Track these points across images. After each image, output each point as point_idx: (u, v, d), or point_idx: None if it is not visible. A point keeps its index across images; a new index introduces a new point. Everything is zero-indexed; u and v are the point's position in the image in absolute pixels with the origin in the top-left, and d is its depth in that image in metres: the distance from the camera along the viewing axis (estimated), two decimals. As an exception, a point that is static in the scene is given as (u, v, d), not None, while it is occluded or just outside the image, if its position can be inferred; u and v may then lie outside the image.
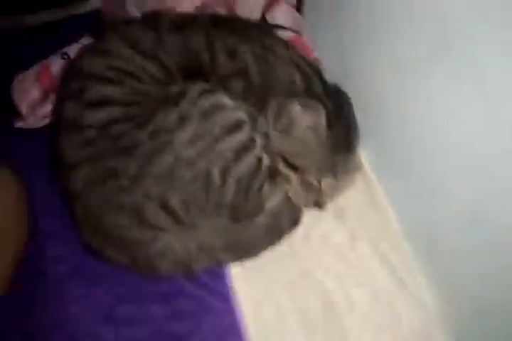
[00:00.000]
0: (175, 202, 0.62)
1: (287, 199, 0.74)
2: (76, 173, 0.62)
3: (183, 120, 0.61)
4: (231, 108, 0.65)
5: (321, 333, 0.68)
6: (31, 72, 0.85)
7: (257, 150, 0.67)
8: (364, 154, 0.82)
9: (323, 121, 0.66)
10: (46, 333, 0.65)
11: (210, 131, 0.62)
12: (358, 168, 0.77)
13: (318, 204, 0.73)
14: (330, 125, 0.68)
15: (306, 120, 0.67)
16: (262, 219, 0.71)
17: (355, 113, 0.75)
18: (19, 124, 0.85)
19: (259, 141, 0.67)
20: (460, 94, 0.56)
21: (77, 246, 0.68)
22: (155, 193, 0.61)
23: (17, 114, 0.85)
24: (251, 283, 0.72)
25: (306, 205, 0.74)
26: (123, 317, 0.67)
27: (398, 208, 0.78)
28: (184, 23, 0.73)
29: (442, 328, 0.68)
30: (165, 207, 0.62)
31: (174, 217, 0.63)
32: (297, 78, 0.72)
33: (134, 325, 0.66)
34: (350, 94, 0.75)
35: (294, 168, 0.70)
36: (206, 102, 0.63)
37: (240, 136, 0.64)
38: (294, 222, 0.75)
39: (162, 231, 0.64)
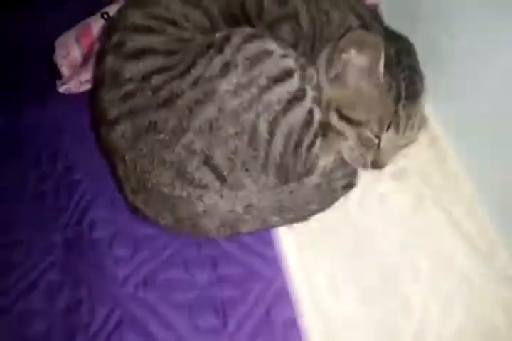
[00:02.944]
0: (218, 158, 0.58)
1: (341, 158, 0.67)
2: (117, 129, 0.59)
3: (227, 67, 0.56)
4: (279, 55, 0.59)
5: (380, 303, 0.62)
6: (71, 33, 0.83)
7: (308, 102, 0.61)
8: (430, 108, 0.73)
9: (380, 59, 0.58)
10: (92, 293, 0.64)
11: (257, 80, 0.57)
12: (423, 122, 0.68)
13: (377, 164, 0.66)
14: (390, 71, 0.60)
15: (360, 61, 0.60)
16: (312, 180, 0.65)
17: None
18: (62, 88, 0.83)
19: (310, 92, 0.61)
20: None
21: (122, 208, 0.66)
22: (197, 148, 0.57)
23: (60, 77, 0.83)
24: (302, 250, 0.67)
25: (363, 165, 0.67)
26: (168, 281, 0.64)
27: (471, 167, 0.69)
28: None
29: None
30: (208, 163, 0.58)
31: (218, 174, 0.59)
32: (353, 22, 0.65)
33: (179, 289, 0.64)
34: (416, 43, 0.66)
35: (349, 121, 0.63)
36: (252, 48, 0.57)
37: (289, 86, 0.59)
38: (349, 183, 0.68)
39: (207, 190, 0.60)
